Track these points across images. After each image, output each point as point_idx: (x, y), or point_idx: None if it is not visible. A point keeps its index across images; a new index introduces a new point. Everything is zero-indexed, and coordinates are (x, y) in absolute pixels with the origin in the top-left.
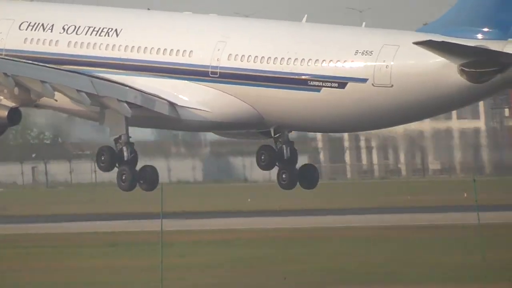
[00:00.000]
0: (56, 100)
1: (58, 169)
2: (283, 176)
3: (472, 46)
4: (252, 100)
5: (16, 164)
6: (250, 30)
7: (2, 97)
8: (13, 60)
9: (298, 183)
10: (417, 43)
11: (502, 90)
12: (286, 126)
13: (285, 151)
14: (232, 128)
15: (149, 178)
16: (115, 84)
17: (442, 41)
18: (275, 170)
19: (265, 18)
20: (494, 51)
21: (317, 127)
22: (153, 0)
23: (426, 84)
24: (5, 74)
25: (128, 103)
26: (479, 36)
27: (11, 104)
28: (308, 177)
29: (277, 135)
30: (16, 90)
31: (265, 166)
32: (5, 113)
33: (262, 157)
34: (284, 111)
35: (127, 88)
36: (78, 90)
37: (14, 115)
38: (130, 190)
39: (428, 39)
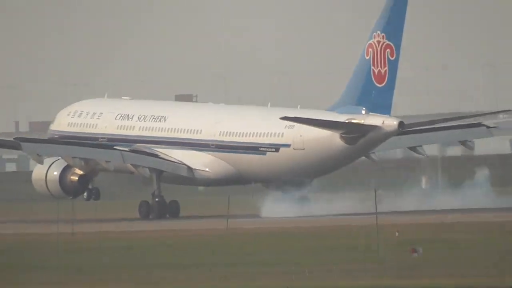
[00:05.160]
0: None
1: None
2: None
3: (321, 120)
4: (232, 162)
5: None
6: (232, 114)
7: (76, 167)
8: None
9: None
10: (282, 118)
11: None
12: (253, 179)
13: None
14: (224, 184)
15: (173, 211)
16: (141, 155)
17: (303, 118)
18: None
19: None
20: (345, 123)
21: (264, 179)
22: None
23: (324, 147)
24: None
25: (154, 169)
26: (363, 111)
27: (80, 172)
28: None
29: None
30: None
31: None
32: (76, 178)
33: None
34: (248, 168)
35: (157, 159)
36: (106, 161)
37: (84, 180)
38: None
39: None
